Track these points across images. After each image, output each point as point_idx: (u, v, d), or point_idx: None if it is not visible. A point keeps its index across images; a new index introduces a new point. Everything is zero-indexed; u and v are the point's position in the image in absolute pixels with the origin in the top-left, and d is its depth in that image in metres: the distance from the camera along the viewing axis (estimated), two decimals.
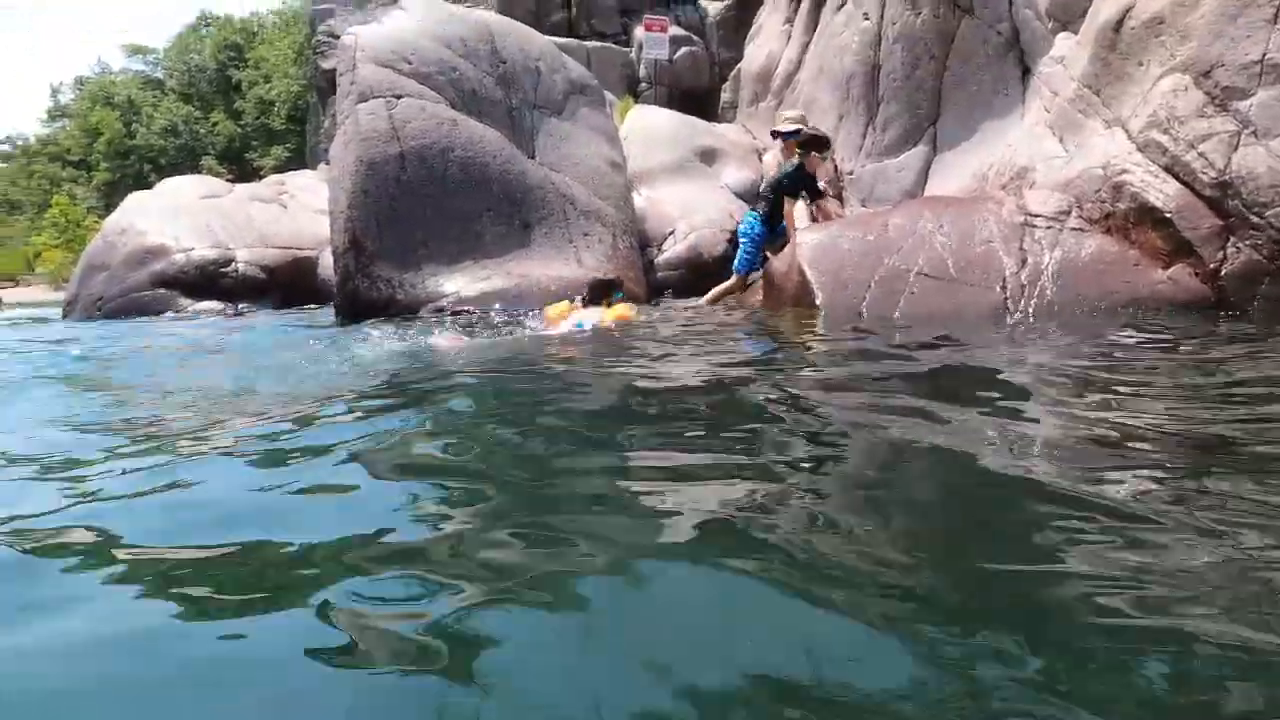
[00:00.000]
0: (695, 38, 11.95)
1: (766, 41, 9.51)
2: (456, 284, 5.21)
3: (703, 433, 1.82)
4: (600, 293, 4.22)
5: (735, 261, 5.49)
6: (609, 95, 9.27)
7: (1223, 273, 3.30)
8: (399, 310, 5.22)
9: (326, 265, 7.32)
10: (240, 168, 31.03)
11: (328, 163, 7.24)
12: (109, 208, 18.46)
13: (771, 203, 5.34)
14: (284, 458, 1.72)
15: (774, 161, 5.67)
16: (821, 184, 5.67)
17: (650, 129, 8.57)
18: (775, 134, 5.84)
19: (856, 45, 6.79)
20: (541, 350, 3.37)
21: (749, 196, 7.89)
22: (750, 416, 1.93)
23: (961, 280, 3.63)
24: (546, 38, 7.61)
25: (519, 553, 1.13)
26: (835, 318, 3.67)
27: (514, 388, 2.53)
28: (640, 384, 2.46)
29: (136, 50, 40.92)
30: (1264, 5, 3.22)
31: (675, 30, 11.47)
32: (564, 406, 2.24)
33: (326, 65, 15.57)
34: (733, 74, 10.89)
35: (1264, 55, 3.21)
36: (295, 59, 31.24)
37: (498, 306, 4.90)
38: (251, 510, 1.40)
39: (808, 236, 4.25)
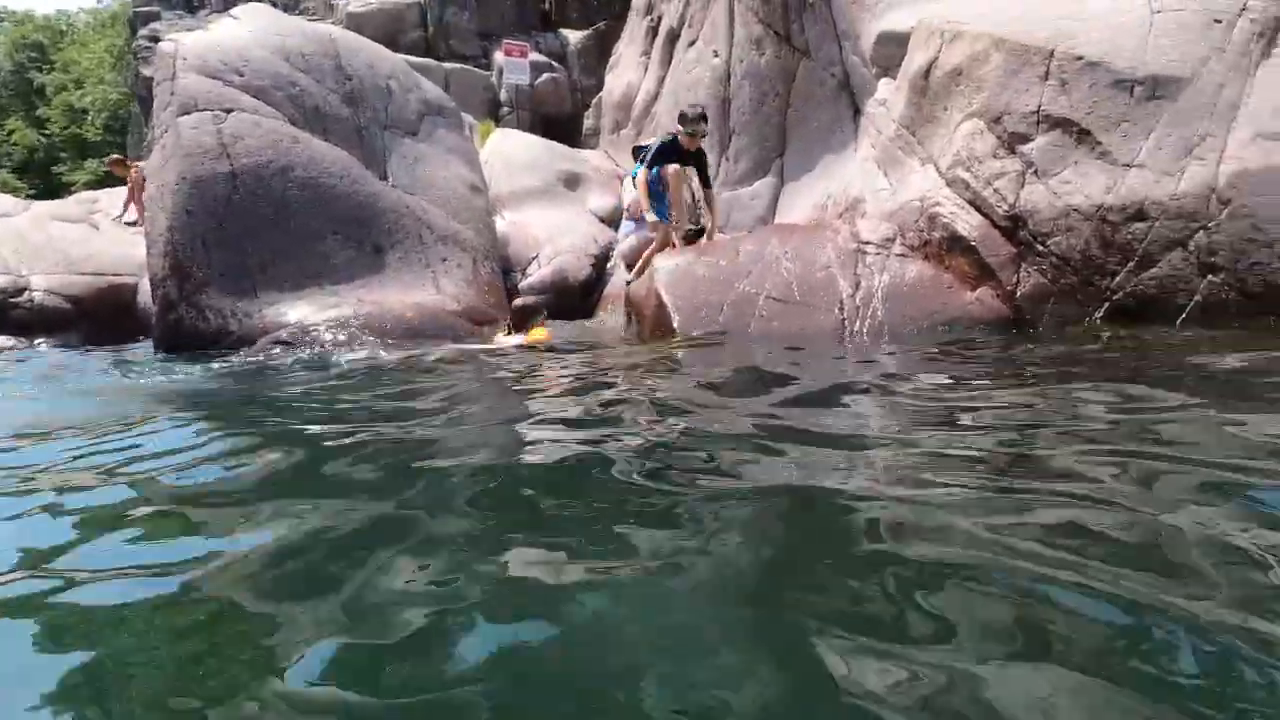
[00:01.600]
0: (556, 64, 12.07)
1: (625, 72, 9.78)
2: (300, 312, 4.83)
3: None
4: (523, 319, 4.78)
5: (654, 214, 5.13)
6: (469, 118, 9.11)
7: (1018, 294, 3.75)
8: (233, 342, 4.76)
9: (148, 293, 6.56)
10: (46, 182, 27.23)
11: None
12: None
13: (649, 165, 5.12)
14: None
15: (634, 187, 5.79)
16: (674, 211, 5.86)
17: (512, 153, 8.50)
18: (636, 149, 5.99)
19: (708, 80, 7.15)
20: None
21: (612, 221, 8.02)
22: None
23: (805, 303, 3.87)
24: (400, 56, 7.36)
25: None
26: (691, 340, 3.78)
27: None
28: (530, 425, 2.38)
29: None
30: (1037, 65, 3.74)
31: (536, 56, 11.51)
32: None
33: (148, 72, 14.11)
34: (595, 101, 11.10)
35: (1039, 106, 3.72)
36: (114, 64, 28.15)
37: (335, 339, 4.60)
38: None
39: (665, 262, 4.37)
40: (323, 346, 4.54)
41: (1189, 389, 2.25)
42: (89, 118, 28.97)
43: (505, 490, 1.60)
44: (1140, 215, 3.48)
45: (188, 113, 4.96)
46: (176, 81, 5.04)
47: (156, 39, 11.86)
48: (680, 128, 5.06)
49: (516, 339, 4.60)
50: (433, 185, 5.97)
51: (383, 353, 4.24)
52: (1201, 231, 3.40)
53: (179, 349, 4.77)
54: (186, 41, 5.32)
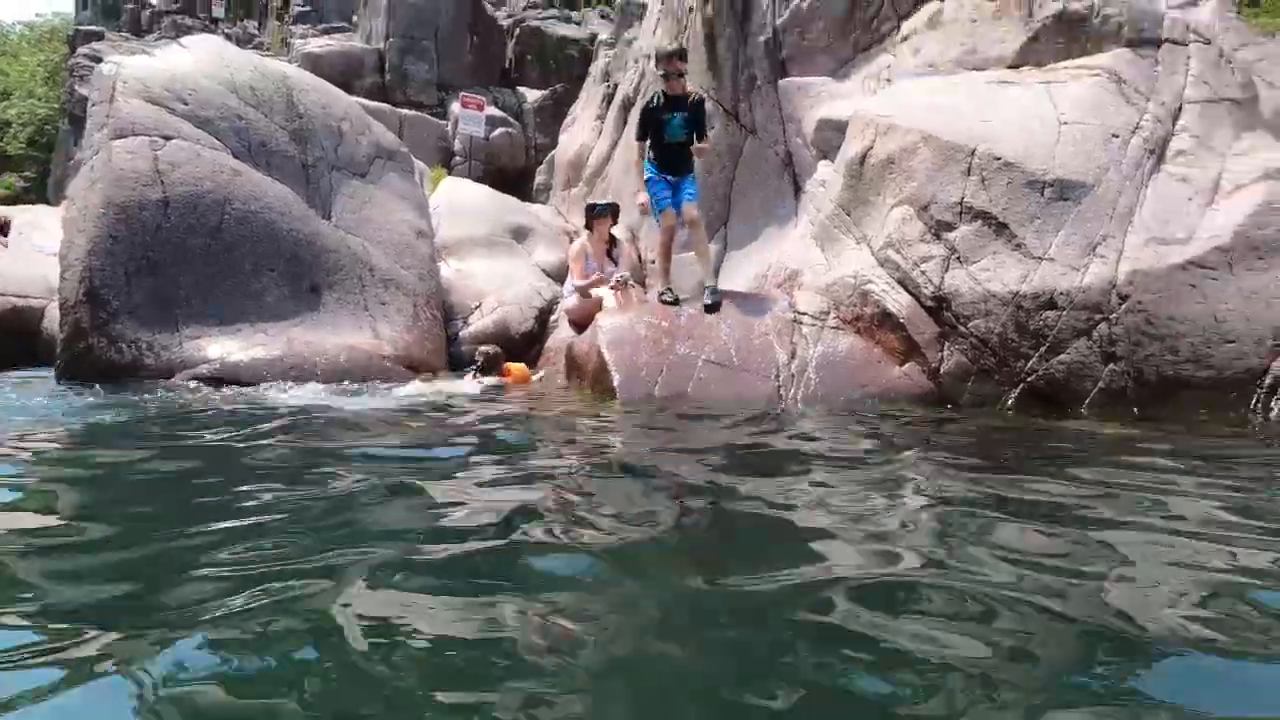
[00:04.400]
0: (513, 120, 12.31)
1: (579, 133, 10.05)
2: (224, 348, 4.62)
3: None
4: (491, 365, 5.14)
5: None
6: (421, 164, 9.13)
7: (941, 371, 3.95)
8: (148, 375, 4.49)
9: (57, 319, 6.15)
10: None
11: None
12: None
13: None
14: None
15: (582, 244, 5.87)
16: (625, 272, 5.97)
17: (462, 201, 8.52)
18: (590, 208, 6.10)
19: None
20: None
21: (558, 276, 8.07)
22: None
23: (742, 368, 3.96)
24: (353, 99, 7.37)
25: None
26: (630, 398, 3.79)
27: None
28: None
29: None
30: (961, 161, 4.05)
31: (492, 110, 11.72)
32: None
33: (84, 90, 13.64)
34: (548, 158, 11.32)
35: (963, 198, 4.01)
36: (47, 79, 27.14)
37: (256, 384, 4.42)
38: None
39: (608, 321, 4.41)
40: (243, 385, 4.33)
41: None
42: (13, 130, 27.62)
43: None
44: (1051, 304, 3.75)
45: (123, 136, 4.79)
46: (114, 104, 4.88)
47: (98, 59, 11.52)
48: (658, 72, 4.67)
49: (489, 381, 4.96)
50: (378, 227, 5.91)
51: (335, 400, 4.06)
52: (1104, 323, 3.69)
53: (84, 379, 4.46)
54: (129, 65, 5.19)
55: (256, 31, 23.38)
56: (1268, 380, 3.53)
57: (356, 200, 5.90)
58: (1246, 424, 3.41)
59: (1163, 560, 1.50)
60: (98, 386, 4.15)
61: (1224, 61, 4.54)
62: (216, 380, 4.39)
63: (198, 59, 5.50)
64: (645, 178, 4.78)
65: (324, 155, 5.80)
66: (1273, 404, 3.50)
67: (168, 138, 4.92)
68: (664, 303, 4.48)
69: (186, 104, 5.13)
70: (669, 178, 4.72)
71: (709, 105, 5.16)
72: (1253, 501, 2.01)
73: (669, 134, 4.64)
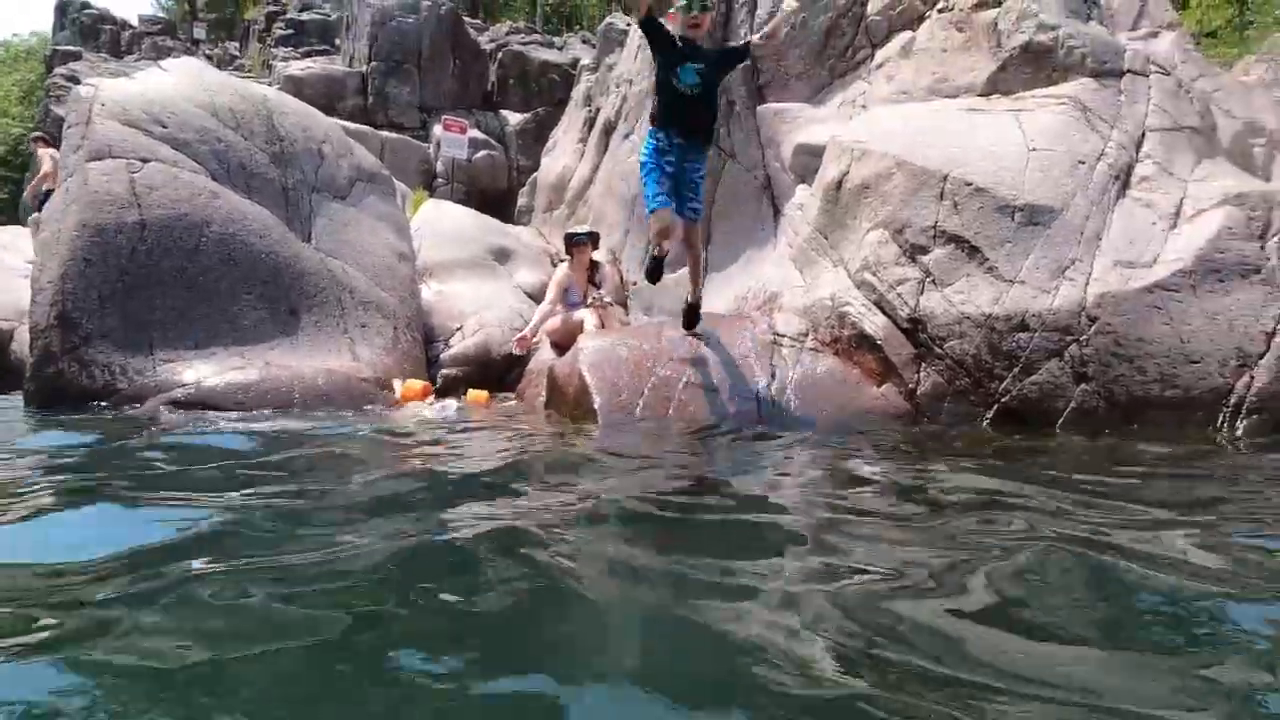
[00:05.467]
0: (495, 143, 12.40)
1: (561, 156, 10.14)
2: (199, 372, 4.56)
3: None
4: (452, 388, 5.49)
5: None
6: (402, 186, 9.14)
7: (918, 392, 4.00)
8: (121, 400, 4.41)
9: (26, 342, 6.03)
10: None
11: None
12: None
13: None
14: None
15: (565, 271, 5.88)
16: (607, 295, 5.99)
17: (444, 223, 8.53)
18: (569, 236, 6.12)
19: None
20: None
21: (540, 298, 8.08)
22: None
23: (722, 390, 3.98)
24: (334, 121, 7.38)
25: None
26: (611, 421, 3.80)
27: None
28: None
29: None
30: (934, 186, 4.15)
31: (474, 133, 11.80)
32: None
33: (60, 111, 13.52)
34: (530, 180, 11.39)
35: (936, 223, 4.10)
36: (23, 98, 26.92)
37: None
38: None
39: (589, 343, 4.42)
40: (219, 409, 4.27)
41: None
42: None
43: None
44: (1023, 326, 3.83)
45: (99, 159, 4.76)
46: (91, 126, 4.85)
47: (75, 79, 11.46)
48: (677, 10, 3.66)
49: (450, 404, 4.90)
50: (358, 250, 5.89)
51: (292, 422, 4.03)
52: (1074, 344, 3.77)
53: (54, 405, 4.38)
54: (106, 87, 5.17)
55: (238, 53, 23.38)
56: (1232, 399, 3.62)
57: (337, 223, 5.89)
58: (1213, 441, 3.49)
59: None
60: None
61: (1183, 91, 4.71)
62: (191, 405, 4.32)
63: (177, 81, 5.49)
64: (643, 150, 3.73)
65: (304, 178, 5.79)
66: (1238, 423, 3.58)
67: (145, 160, 4.89)
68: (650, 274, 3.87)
69: (165, 126, 5.11)
70: (677, 142, 3.65)
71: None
72: None
73: (682, 80, 3.60)
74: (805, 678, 1.07)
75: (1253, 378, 3.61)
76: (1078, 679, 1.08)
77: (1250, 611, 1.32)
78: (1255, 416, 3.56)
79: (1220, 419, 3.62)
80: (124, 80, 5.46)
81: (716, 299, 6.57)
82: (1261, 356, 3.64)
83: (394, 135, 12.01)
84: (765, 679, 1.06)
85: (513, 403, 5.63)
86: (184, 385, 4.47)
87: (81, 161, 4.76)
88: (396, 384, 5.19)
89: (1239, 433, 3.54)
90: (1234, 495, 2.41)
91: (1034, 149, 4.23)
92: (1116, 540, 1.74)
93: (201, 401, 4.35)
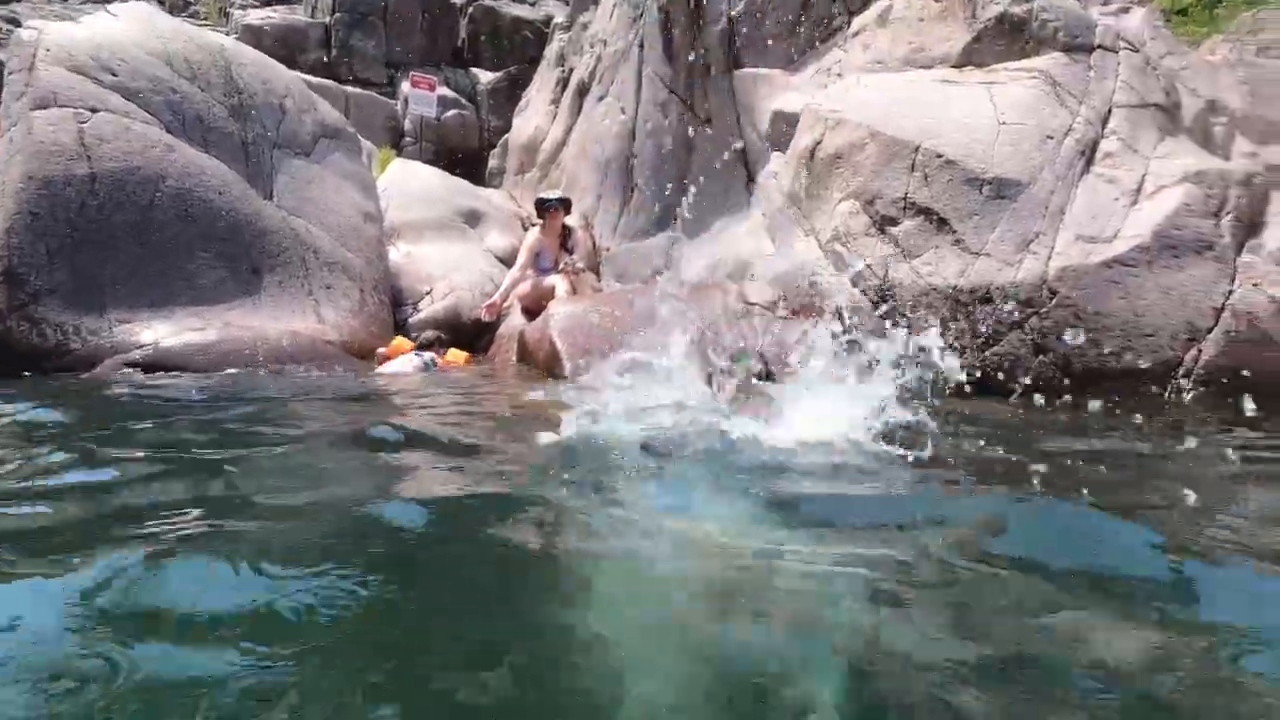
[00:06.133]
0: (465, 102, 12.05)
1: (534, 116, 9.92)
2: (156, 333, 4.43)
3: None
4: (431, 346, 5.36)
5: None
6: (369, 145, 8.87)
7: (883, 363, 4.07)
8: (73, 362, 4.28)
9: None
10: None
11: None
12: None
13: None
14: None
15: (536, 236, 5.80)
16: (579, 260, 5.94)
17: (412, 184, 8.32)
18: (539, 202, 6.03)
19: (614, 135, 7.39)
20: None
21: (511, 262, 7.98)
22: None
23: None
24: (296, 74, 7.09)
25: None
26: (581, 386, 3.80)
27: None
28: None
29: None
30: (905, 157, 4.17)
31: (444, 91, 11.45)
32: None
33: (1, 55, 12.79)
34: (501, 142, 11.13)
35: (906, 194, 4.13)
36: None
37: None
38: None
39: (560, 309, 4.40)
40: (179, 371, 4.17)
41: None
42: None
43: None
44: (987, 298, 3.91)
45: (45, 107, 4.52)
46: (35, 73, 4.60)
47: (16, 22, 10.79)
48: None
49: (423, 357, 4.86)
50: (322, 209, 5.73)
51: (267, 382, 3.95)
52: (1035, 316, 3.86)
53: (3, 365, 4.22)
54: (51, 31, 4.88)
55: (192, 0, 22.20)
56: (1180, 371, 3.76)
57: (299, 180, 5.71)
58: (1163, 411, 3.63)
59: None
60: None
61: (1150, 68, 4.77)
62: (149, 366, 4.21)
63: (127, 27, 5.22)
64: None
65: (265, 133, 5.58)
66: (1185, 395, 3.73)
67: (94, 110, 4.66)
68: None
69: (115, 75, 4.86)
70: None
71: None
72: None
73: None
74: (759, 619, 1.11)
75: (1200, 351, 3.75)
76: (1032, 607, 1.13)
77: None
78: (1202, 388, 3.70)
79: (1169, 390, 3.76)
80: (70, 24, 5.16)
81: (690, 266, 6.56)
82: (1210, 331, 3.78)
83: (359, 91, 11.59)
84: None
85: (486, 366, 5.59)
86: (141, 346, 4.35)
87: (25, 110, 4.52)
88: (381, 351, 5.25)
89: (1186, 402, 3.69)
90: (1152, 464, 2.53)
91: (1004, 123, 4.27)
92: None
93: (160, 363, 4.24)
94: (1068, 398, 3.66)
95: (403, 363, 4.84)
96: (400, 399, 3.62)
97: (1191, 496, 1.84)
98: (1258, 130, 5.04)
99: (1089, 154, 4.28)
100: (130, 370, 4.14)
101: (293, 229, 5.35)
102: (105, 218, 4.51)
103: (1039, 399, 2.99)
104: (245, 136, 5.44)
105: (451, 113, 11.67)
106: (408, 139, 11.40)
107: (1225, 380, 3.62)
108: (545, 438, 2.33)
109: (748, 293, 4.49)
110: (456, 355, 5.47)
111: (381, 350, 5.23)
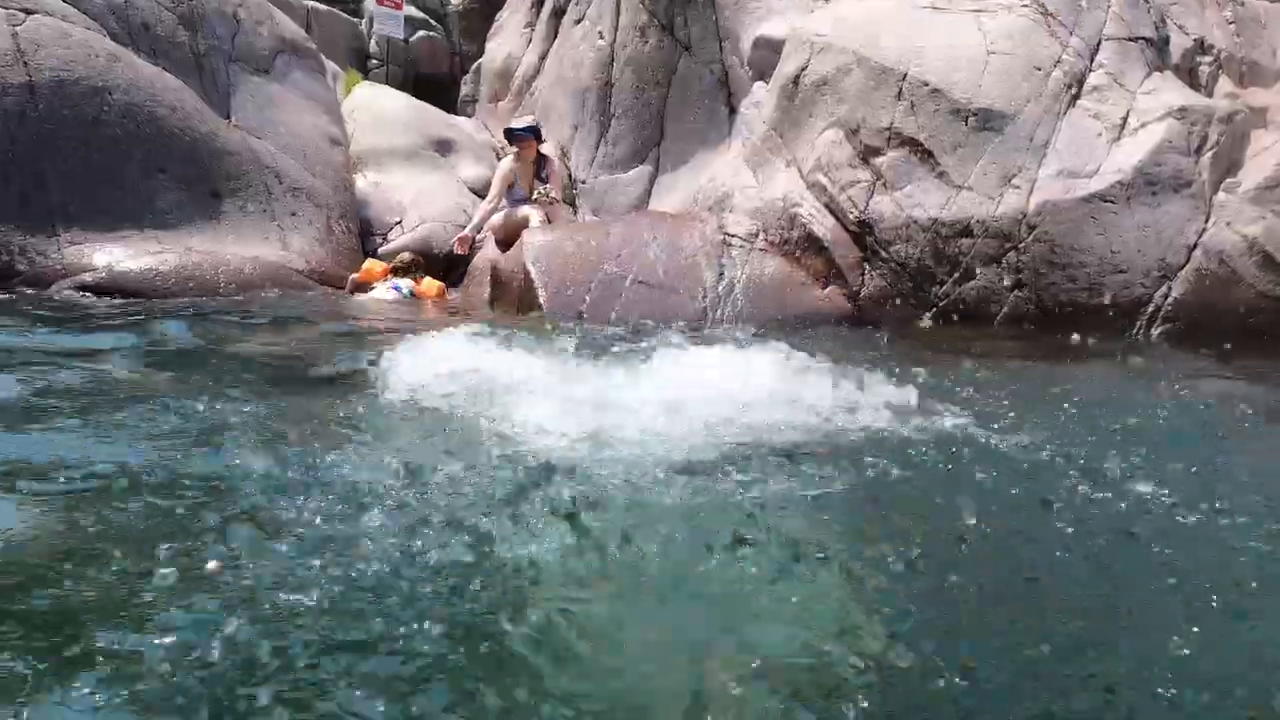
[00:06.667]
0: (434, 23, 11.45)
1: (507, 41, 9.46)
2: (111, 256, 4.22)
3: None
4: (408, 269, 5.08)
5: None
6: (333, 66, 8.42)
7: (861, 295, 4.07)
8: (21, 283, 4.08)
9: None
10: None
11: None
12: None
13: None
14: None
15: (510, 165, 5.60)
16: (554, 191, 5.76)
17: (380, 109, 7.94)
18: (509, 132, 5.80)
19: (591, 62, 7.08)
20: None
21: (484, 193, 7.74)
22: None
23: (669, 288, 3.96)
24: None
25: None
26: (556, 316, 3.75)
27: None
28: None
29: None
30: (891, 85, 4.06)
31: (412, 10, 10.84)
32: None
33: None
34: (474, 68, 10.63)
35: (891, 123, 4.04)
36: None
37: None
38: None
39: (534, 238, 4.28)
40: (134, 296, 4.01)
41: None
42: None
43: None
44: (967, 232, 3.89)
45: None
46: None
47: None
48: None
49: (400, 285, 4.84)
50: (285, 132, 5.44)
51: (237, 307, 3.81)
52: (1013, 251, 3.87)
53: None
54: None
55: None
56: (1149, 309, 3.82)
57: (259, 99, 5.40)
58: (1131, 346, 3.69)
59: None
60: None
61: (1142, 1, 4.66)
62: (103, 290, 4.03)
63: None
64: None
65: (218, 44, 5.24)
66: (1153, 330, 3.80)
67: (29, 11, 4.31)
68: None
69: None
70: None
71: None
72: None
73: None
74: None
75: (1170, 288, 3.80)
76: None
77: None
78: (1169, 325, 3.77)
79: (1138, 327, 3.82)
80: None
81: (667, 198, 6.43)
82: (1181, 268, 3.82)
83: (320, 6, 10.91)
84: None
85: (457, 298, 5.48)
86: (94, 269, 4.16)
87: None
88: (353, 277, 5.08)
89: (1153, 339, 3.76)
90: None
91: (993, 52, 4.16)
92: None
93: (115, 286, 4.07)
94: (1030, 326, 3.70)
95: (380, 292, 4.75)
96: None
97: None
98: (1238, 72, 5.00)
99: (1076, 89, 4.21)
100: (81, 294, 3.96)
101: (253, 151, 5.09)
102: (49, 131, 4.23)
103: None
104: (197, 48, 5.10)
105: (420, 34, 11.09)
106: (374, 61, 10.84)
107: (1195, 318, 3.69)
108: None
109: (726, 224, 4.41)
110: (431, 285, 5.32)
111: (354, 276, 5.06)
